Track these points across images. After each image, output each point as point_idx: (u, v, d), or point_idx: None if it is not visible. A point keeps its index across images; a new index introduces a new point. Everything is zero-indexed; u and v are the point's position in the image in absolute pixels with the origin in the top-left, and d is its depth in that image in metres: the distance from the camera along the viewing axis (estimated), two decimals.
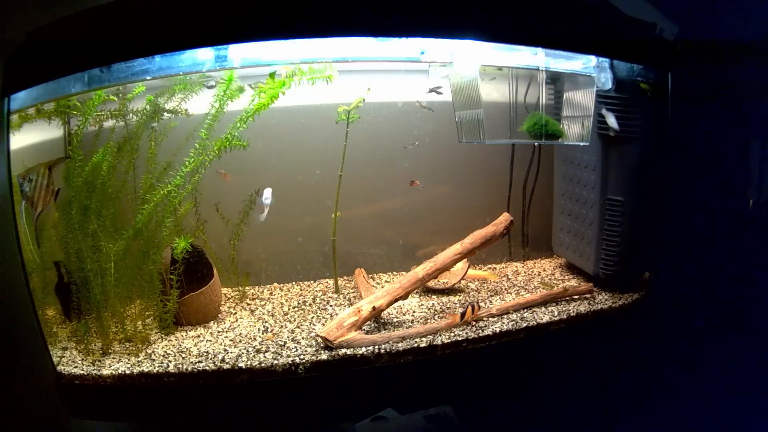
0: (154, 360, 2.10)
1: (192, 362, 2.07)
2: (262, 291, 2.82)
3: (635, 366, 2.42)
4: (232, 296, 2.74)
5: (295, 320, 2.46)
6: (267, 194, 2.45)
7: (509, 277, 2.96)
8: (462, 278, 2.79)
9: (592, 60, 2.45)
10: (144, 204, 2.25)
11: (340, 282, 2.83)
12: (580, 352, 2.45)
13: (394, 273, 3.01)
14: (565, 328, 2.41)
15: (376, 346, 2.16)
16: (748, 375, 2.34)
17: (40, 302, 2.11)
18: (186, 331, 2.38)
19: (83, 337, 2.18)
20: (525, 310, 2.49)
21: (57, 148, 2.34)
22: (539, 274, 2.98)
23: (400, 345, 2.18)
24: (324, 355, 2.12)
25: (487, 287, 2.82)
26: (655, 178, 2.51)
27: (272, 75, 2.26)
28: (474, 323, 2.36)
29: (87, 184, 2.18)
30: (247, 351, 2.15)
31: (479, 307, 2.38)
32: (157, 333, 2.34)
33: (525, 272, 3.03)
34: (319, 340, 2.19)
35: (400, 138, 2.83)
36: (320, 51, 2.19)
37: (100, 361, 2.11)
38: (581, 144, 2.51)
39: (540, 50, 2.37)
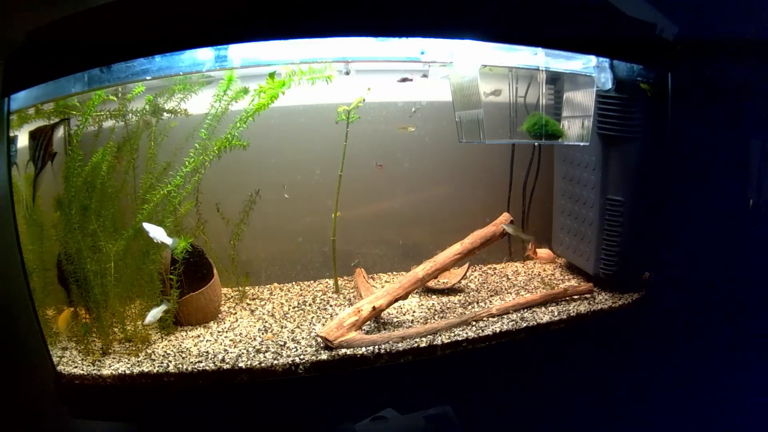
0: (154, 360, 2.10)
1: (192, 362, 2.07)
2: (262, 291, 2.82)
3: (635, 366, 2.42)
4: (232, 296, 2.74)
5: (295, 320, 2.46)
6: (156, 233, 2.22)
7: (509, 277, 2.96)
8: (462, 278, 2.79)
9: (592, 60, 2.45)
10: (144, 204, 2.25)
11: (340, 282, 2.83)
12: (580, 352, 2.45)
13: (394, 273, 3.01)
14: (565, 328, 2.41)
15: (376, 346, 2.16)
16: (748, 375, 2.34)
17: (40, 302, 2.11)
18: (186, 331, 2.38)
19: (83, 337, 2.18)
20: (525, 310, 2.49)
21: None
22: (539, 274, 2.98)
23: (400, 345, 2.18)
24: (324, 355, 2.12)
25: (487, 287, 2.82)
26: (655, 178, 2.51)
27: (272, 75, 2.26)
28: (474, 323, 2.36)
29: (87, 184, 2.19)
30: (247, 351, 2.15)
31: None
32: (157, 333, 2.34)
33: (525, 272, 3.03)
34: (319, 340, 2.19)
35: (401, 138, 2.83)
36: (320, 51, 2.19)
37: (100, 361, 2.11)
38: (581, 144, 2.51)
39: (540, 50, 2.37)
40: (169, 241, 2.18)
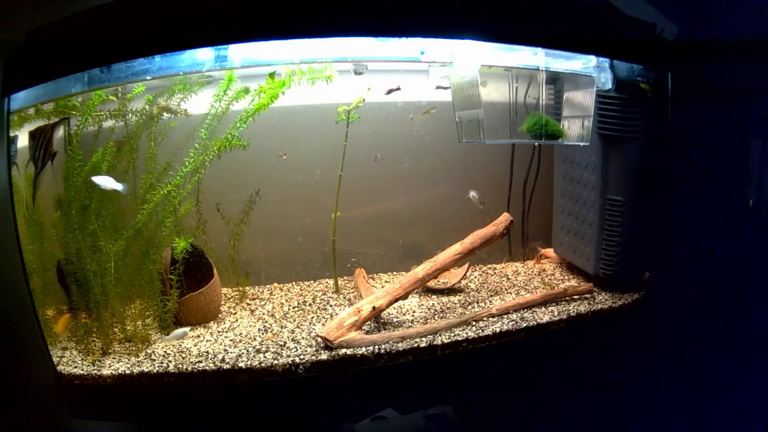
0: (154, 360, 2.10)
1: (192, 362, 2.07)
2: (262, 291, 2.82)
3: (635, 366, 2.42)
4: (232, 296, 2.74)
5: (295, 320, 2.46)
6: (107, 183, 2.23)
7: (509, 277, 2.96)
8: (462, 278, 2.79)
9: (592, 60, 2.45)
10: (144, 204, 2.25)
11: (340, 282, 2.83)
12: (580, 352, 2.45)
13: (394, 273, 3.01)
14: (565, 328, 2.41)
15: (376, 346, 2.16)
16: (747, 375, 2.34)
17: (40, 302, 2.11)
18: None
19: (83, 337, 2.18)
20: (525, 310, 2.49)
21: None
22: (539, 274, 2.98)
23: (400, 345, 2.18)
24: (324, 355, 2.12)
25: (488, 287, 2.82)
26: (655, 178, 2.51)
27: (272, 75, 2.26)
28: (474, 323, 2.36)
29: (87, 184, 2.19)
30: (247, 351, 2.15)
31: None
32: (157, 333, 2.34)
33: (525, 272, 3.03)
34: (319, 340, 2.19)
35: (401, 138, 2.83)
36: (320, 51, 2.19)
37: (100, 361, 2.11)
38: (581, 144, 2.51)
39: (540, 50, 2.37)
40: (119, 186, 2.16)
